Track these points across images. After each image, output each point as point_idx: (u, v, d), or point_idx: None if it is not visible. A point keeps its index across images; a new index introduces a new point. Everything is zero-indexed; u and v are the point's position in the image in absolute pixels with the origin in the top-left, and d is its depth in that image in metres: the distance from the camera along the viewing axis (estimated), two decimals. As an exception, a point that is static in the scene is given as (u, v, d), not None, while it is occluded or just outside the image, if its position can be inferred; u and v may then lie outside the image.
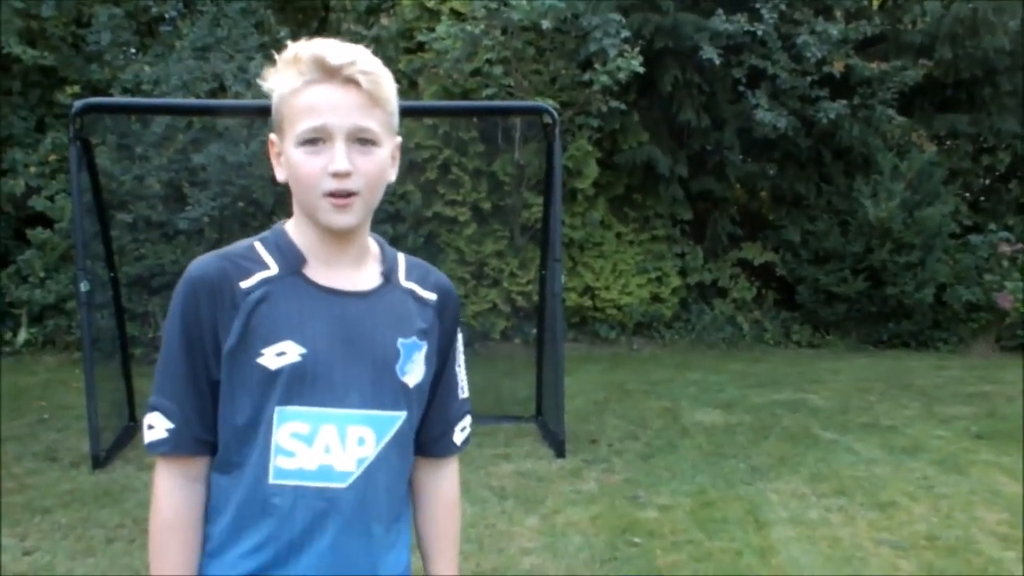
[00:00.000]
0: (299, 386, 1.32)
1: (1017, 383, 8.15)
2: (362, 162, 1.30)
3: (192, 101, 8.07)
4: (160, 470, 1.37)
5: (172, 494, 1.36)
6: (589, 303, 10.09)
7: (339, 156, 1.28)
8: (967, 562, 4.03)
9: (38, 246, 8.72)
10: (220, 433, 1.36)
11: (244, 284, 1.33)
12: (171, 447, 1.35)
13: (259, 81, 1.36)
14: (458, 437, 1.54)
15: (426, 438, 1.50)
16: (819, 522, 4.51)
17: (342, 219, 1.32)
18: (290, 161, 1.32)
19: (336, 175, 1.29)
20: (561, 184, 5.78)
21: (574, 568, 3.89)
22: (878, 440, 6.08)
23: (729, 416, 6.76)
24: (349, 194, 1.30)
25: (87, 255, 5.29)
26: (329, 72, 1.28)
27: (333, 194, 1.30)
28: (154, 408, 1.36)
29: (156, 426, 1.35)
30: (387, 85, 1.33)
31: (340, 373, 1.34)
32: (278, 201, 8.09)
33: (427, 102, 8.71)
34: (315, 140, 1.29)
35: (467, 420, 1.56)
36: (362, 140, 1.30)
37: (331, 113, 1.28)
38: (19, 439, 5.72)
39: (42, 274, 8.71)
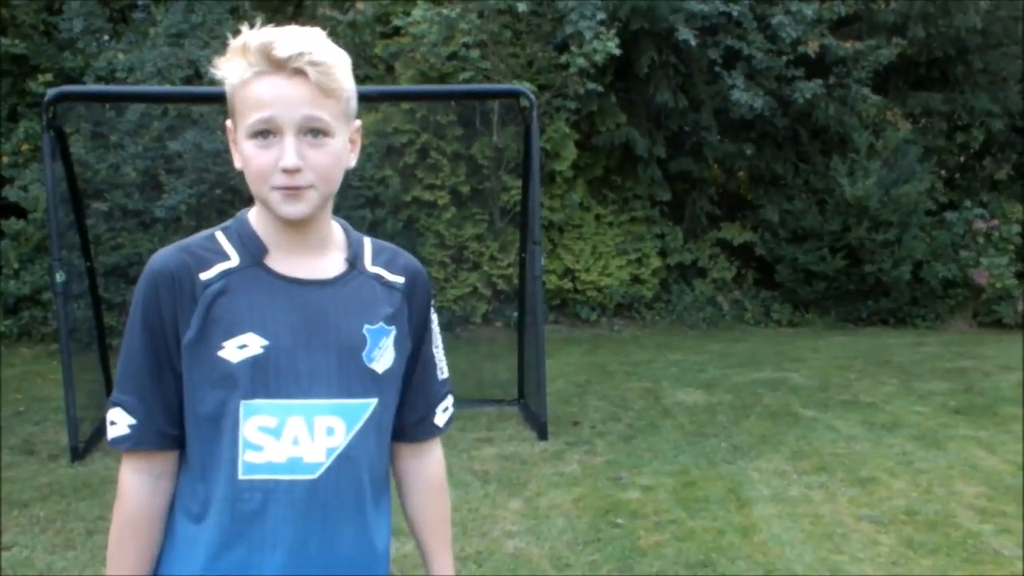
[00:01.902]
0: (263, 378, 1.30)
1: (994, 358, 8.24)
2: (313, 155, 1.28)
3: (167, 88, 7.99)
4: (124, 466, 1.36)
5: (137, 490, 1.35)
6: (569, 285, 10.11)
7: (288, 152, 1.26)
8: (946, 535, 4.08)
9: (12, 237, 8.63)
10: (186, 428, 1.34)
11: (204, 276, 1.31)
12: (134, 443, 1.33)
13: (212, 69, 1.33)
14: (440, 419, 1.53)
15: (407, 422, 1.48)
16: (800, 499, 4.55)
17: (294, 209, 1.29)
18: (243, 153, 1.30)
19: (286, 171, 1.27)
20: (539, 167, 5.77)
21: (558, 550, 3.90)
22: (858, 417, 6.14)
23: (710, 396, 6.79)
24: (300, 188, 1.28)
25: (62, 245, 5.23)
26: (277, 64, 1.25)
27: (284, 187, 1.28)
28: (116, 404, 1.34)
29: (118, 422, 1.33)
30: (339, 74, 1.29)
31: (305, 363, 1.31)
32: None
33: (404, 87, 8.68)
34: (265, 133, 1.27)
35: (448, 401, 1.54)
36: (314, 131, 1.28)
37: (279, 106, 1.25)
38: (-3, 432, 5.67)
39: (16, 265, 8.61)
